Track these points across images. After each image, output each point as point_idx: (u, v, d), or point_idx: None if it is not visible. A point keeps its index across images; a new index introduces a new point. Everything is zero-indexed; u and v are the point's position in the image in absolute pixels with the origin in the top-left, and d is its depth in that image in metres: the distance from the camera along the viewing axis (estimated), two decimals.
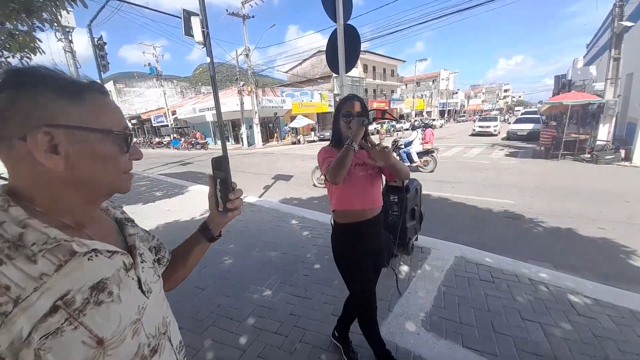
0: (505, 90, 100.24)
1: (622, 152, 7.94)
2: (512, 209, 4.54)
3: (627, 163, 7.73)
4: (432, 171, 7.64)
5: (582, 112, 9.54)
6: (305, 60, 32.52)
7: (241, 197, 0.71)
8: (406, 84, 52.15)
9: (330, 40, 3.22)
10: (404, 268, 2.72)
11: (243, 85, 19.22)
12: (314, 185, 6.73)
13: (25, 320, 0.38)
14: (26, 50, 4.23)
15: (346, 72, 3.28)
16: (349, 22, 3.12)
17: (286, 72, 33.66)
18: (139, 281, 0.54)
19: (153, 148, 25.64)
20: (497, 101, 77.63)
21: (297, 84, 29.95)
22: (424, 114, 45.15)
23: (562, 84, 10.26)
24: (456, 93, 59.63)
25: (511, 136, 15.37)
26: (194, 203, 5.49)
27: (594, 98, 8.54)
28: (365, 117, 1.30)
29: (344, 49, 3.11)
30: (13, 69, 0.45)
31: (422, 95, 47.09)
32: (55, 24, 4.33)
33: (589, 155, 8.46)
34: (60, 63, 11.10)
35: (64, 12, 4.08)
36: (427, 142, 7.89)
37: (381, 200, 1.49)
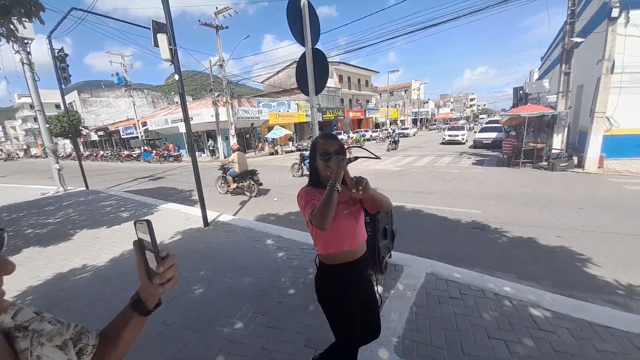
0: (472, 99, 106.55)
1: (575, 159, 8.66)
2: (479, 219, 4.77)
3: (579, 169, 8.43)
4: None
5: (538, 122, 10.35)
6: (281, 70, 32.70)
7: (175, 265, 0.63)
8: (380, 94, 53.90)
9: (300, 63, 3.27)
10: (378, 289, 2.74)
11: (218, 95, 18.91)
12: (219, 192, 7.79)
13: None
14: None
15: (316, 94, 3.34)
16: (316, 47, 3.18)
17: (262, 82, 33.62)
18: None
19: (122, 161, 24.32)
20: (465, 110, 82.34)
21: (274, 94, 29.98)
22: (398, 122, 46.81)
23: (520, 96, 11.12)
24: (427, 102, 62.57)
25: (477, 144, 16.39)
26: (164, 224, 5.23)
27: (548, 110, 9.30)
28: (343, 155, 1.30)
29: (313, 72, 3.16)
30: None
31: (395, 104, 48.89)
32: (12, 38, 4.06)
33: (545, 163, 9.15)
34: (17, 78, 10.33)
35: (20, 25, 3.83)
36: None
37: (365, 233, 1.46)
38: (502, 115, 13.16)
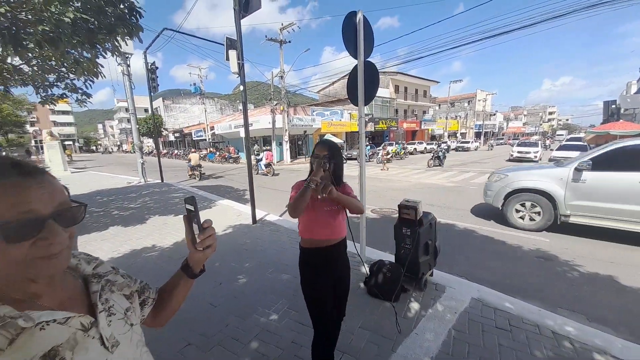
0: (550, 113, 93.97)
1: None
2: (546, 248, 4.20)
3: None
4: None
5: None
6: (336, 81, 33.50)
7: (213, 234, 0.73)
8: (439, 105, 51.18)
9: (351, 75, 3.39)
10: (414, 305, 2.64)
11: (276, 104, 20.21)
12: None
13: None
14: (89, 74, 4.95)
15: (365, 104, 3.41)
16: (368, 59, 3.27)
17: (318, 92, 34.81)
18: (102, 338, 0.55)
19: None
20: (540, 124, 72.70)
21: (328, 104, 30.79)
22: (458, 135, 43.68)
23: (612, 111, 9.45)
24: (494, 114, 57.19)
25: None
26: (220, 218, 5.80)
27: None
28: (326, 160, 1.52)
29: (364, 84, 3.25)
30: None
31: (456, 116, 45.79)
32: (116, 53, 5.04)
33: None
34: (118, 85, 12.56)
35: (123, 42, 4.75)
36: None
37: (344, 231, 1.68)
38: (587, 132, 11.31)
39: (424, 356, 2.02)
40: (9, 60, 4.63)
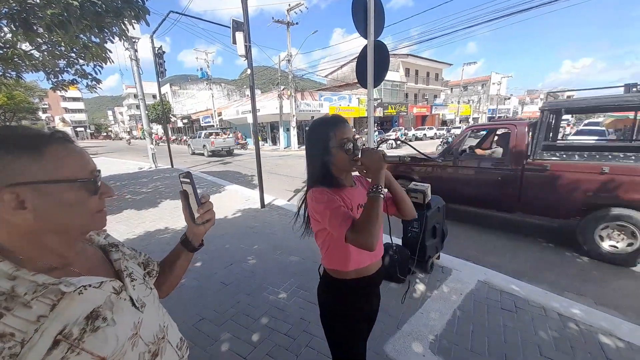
0: (569, 97, 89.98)
1: None
2: (556, 232, 4.15)
3: None
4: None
5: None
6: (345, 64, 32.70)
7: (211, 209, 0.75)
8: (451, 89, 49.63)
9: (361, 56, 3.31)
10: (420, 287, 2.68)
11: (283, 89, 19.97)
12: None
13: (34, 356, 0.43)
14: (98, 59, 4.97)
15: (375, 87, 3.34)
16: (378, 39, 3.17)
17: (325, 76, 34.15)
18: (132, 300, 0.59)
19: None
20: None
21: (336, 88, 30.24)
22: (470, 120, 42.55)
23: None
24: (509, 99, 55.17)
25: None
26: (229, 202, 5.91)
27: None
28: (380, 149, 0.99)
29: (373, 65, 3.17)
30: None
31: (469, 100, 44.42)
32: (124, 37, 5.03)
33: None
34: (126, 71, 12.61)
35: (130, 26, 4.73)
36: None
37: (382, 244, 1.21)
38: (606, 116, 10.84)
39: (428, 334, 2.08)
40: (19, 45, 4.67)
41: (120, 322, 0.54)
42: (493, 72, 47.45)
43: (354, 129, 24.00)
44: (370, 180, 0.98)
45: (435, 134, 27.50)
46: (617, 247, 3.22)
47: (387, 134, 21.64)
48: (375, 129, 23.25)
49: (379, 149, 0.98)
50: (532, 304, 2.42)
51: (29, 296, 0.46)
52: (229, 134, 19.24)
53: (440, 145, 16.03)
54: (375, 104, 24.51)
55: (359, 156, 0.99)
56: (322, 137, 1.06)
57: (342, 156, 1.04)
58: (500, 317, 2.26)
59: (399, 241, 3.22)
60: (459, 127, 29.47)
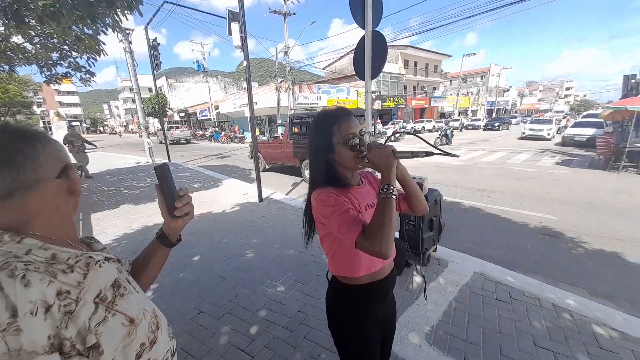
0: (568, 89, 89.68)
1: None
2: (552, 225, 4.19)
3: None
4: None
5: None
6: (343, 56, 32.32)
7: (190, 202, 0.74)
8: (450, 81, 49.23)
9: (358, 47, 3.26)
10: (417, 278, 2.71)
11: (281, 82, 19.76)
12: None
13: (85, 314, 0.50)
14: (92, 52, 4.88)
15: (372, 78, 3.30)
16: (376, 29, 3.12)
17: (323, 68, 33.78)
18: (128, 280, 0.66)
19: (196, 140, 27.54)
20: (557, 100, 69.64)
21: (334, 80, 29.96)
22: (469, 112, 42.39)
23: (631, 86, 8.94)
24: (507, 91, 54.89)
25: (567, 142, 13.83)
26: (227, 196, 5.89)
27: None
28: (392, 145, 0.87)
29: (371, 56, 3.13)
30: (23, 128, 0.56)
31: (467, 92, 44.16)
32: (117, 28, 4.93)
33: None
34: (121, 63, 12.41)
35: (123, 17, 4.63)
36: None
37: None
38: (604, 108, 10.82)
39: (424, 325, 2.10)
40: (12, 39, 4.57)
41: (134, 292, 0.63)
42: (492, 64, 47.08)
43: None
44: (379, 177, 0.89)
45: (434, 126, 27.44)
46: None
47: (385, 127, 21.44)
48: (374, 122, 23.17)
49: (387, 144, 0.87)
50: (526, 294, 2.45)
51: (72, 261, 0.54)
52: (184, 128, 26.67)
53: (438, 137, 15.94)
54: (374, 97, 24.33)
55: (366, 153, 0.89)
56: (325, 133, 0.97)
57: (347, 153, 0.95)
58: (495, 308, 2.29)
59: (396, 234, 3.23)
60: (458, 120, 29.34)
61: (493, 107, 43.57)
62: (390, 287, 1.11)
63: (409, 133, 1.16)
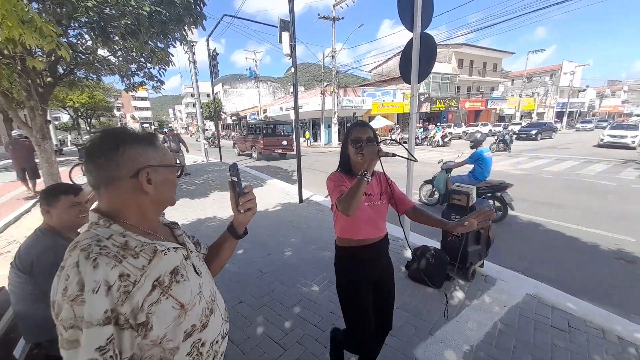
0: None
1: None
2: (630, 249, 3.58)
3: None
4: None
5: None
6: (390, 58, 31.51)
7: (253, 199, 0.86)
8: (512, 80, 44.77)
9: (406, 49, 3.19)
10: (458, 294, 2.55)
11: (326, 86, 20.07)
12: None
13: (139, 295, 0.58)
14: (162, 63, 5.57)
15: (419, 82, 3.21)
16: (425, 31, 3.03)
17: (370, 71, 33.40)
18: (194, 266, 0.75)
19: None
20: None
21: (381, 83, 29.38)
22: (534, 115, 37.91)
23: None
24: (584, 91, 47.72)
25: None
26: (269, 196, 6.21)
27: None
28: (376, 145, 1.30)
29: (419, 59, 3.04)
30: (110, 131, 0.67)
31: (533, 93, 39.53)
32: (184, 41, 5.55)
33: None
34: (185, 72, 13.81)
35: (189, 31, 5.20)
36: None
37: (385, 228, 1.48)
38: None
39: (463, 344, 1.98)
40: (99, 52, 5.45)
41: (192, 279, 0.71)
42: (565, 61, 41.48)
43: (397, 125, 23.07)
44: (376, 174, 1.48)
45: (490, 130, 24.44)
46: None
47: (425, 132, 20.07)
48: (420, 125, 22.12)
49: (375, 144, 1.32)
50: (589, 324, 2.15)
51: (138, 249, 0.62)
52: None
53: (494, 143, 14.39)
54: (422, 99, 23.20)
55: (362, 150, 1.33)
56: (346, 136, 1.45)
57: (352, 149, 1.40)
58: (549, 335, 2.05)
59: (437, 245, 3.08)
60: (520, 124, 25.94)
61: (564, 110, 38.09)
62: (375, 254, 1.45)
63: (394, 141, 1.80)
